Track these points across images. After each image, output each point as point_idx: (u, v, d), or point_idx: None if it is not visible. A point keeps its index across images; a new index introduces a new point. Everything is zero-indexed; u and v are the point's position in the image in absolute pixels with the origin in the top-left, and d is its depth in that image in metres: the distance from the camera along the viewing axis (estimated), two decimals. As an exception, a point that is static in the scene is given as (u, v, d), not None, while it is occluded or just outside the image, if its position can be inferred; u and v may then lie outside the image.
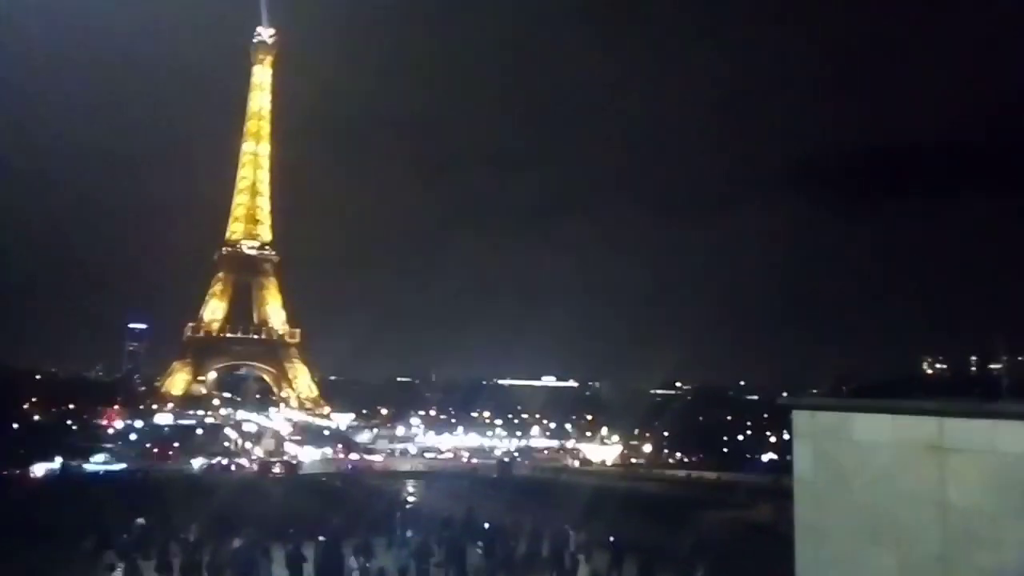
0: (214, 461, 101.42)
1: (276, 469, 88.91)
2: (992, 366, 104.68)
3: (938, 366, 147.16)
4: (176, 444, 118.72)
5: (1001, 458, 11.64)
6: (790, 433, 15.92)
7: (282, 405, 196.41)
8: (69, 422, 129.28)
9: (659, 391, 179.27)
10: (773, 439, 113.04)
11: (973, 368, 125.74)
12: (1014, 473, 11.39)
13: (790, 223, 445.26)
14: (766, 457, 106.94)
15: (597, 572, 21.46)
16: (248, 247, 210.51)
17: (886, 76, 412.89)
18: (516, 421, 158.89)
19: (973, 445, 12.11)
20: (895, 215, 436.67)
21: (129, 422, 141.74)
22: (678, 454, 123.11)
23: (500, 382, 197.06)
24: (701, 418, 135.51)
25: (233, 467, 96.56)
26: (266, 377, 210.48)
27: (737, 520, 38.73)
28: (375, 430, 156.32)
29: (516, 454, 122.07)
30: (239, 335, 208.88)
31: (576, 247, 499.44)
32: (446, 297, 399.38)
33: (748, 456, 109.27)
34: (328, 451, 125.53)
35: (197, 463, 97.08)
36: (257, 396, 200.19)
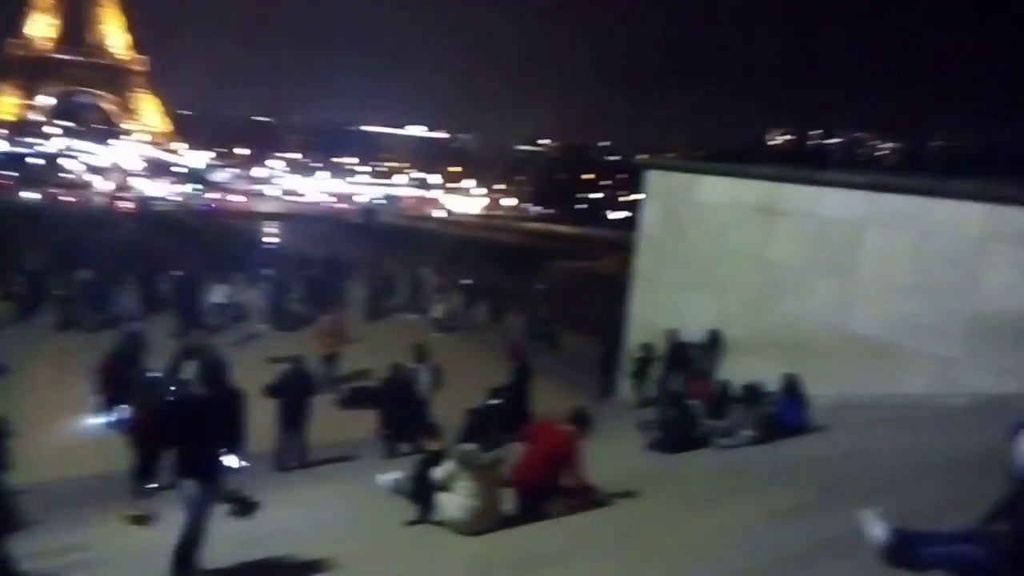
0: (53, 192, 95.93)
1: (124, 203, 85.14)
2: (832, 140, 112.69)
3: (785, 138, 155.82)
4: (8, 173, 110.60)
5: (820, 221, 12.97)
6: (642, 193, 16.92)
7: (129, 138, 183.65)
8: None
9: (524, 147, 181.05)
10: (626, 198, 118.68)
11: (816, 142, 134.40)
12: (829, 234, 12.77)
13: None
14: (618, 214, 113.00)
15: (451, 311, 22.83)
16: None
17: None
18: (382, 169, 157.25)
19: (798, 208, 13.38)
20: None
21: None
22: (537, 208, 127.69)
23: (365, 128, 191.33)
24: (562, 175, 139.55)
25: (76, 199, 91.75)
26: (111, 106, 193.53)
27: (584, 270, 41.57)
28: (233, 170, 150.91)
29: (382, 201, 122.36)
30: (74, 57, 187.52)
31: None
32: (307, 33, 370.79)
33: (601, 213, 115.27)
34: (182, 188, 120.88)
35: (34, 193, 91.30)
36: (101, 127, 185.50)
